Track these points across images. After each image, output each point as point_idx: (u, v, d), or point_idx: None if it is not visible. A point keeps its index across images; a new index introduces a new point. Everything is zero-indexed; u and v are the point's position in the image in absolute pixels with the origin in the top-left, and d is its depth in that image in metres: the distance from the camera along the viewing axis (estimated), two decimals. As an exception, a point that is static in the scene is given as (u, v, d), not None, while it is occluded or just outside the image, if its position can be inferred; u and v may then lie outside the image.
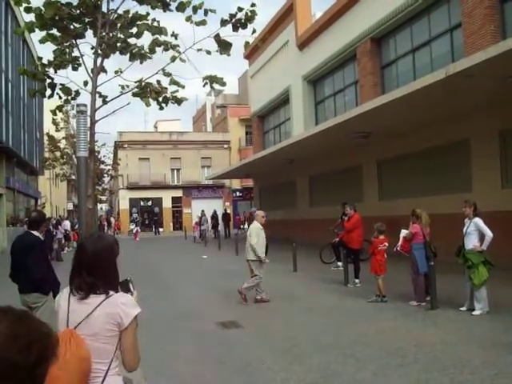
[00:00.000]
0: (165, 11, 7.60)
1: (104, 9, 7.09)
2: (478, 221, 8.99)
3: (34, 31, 7.13)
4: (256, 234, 11.06)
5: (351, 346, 7.28)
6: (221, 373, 6.38)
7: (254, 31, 7.11)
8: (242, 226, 42.97)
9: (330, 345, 7.43)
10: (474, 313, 8.83)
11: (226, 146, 53.47)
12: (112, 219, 50.73)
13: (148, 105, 7.49)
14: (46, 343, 1.39)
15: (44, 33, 7.17)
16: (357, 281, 12.71)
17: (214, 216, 37.90)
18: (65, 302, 2.74)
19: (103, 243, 2.83)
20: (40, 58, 7.60)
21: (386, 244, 10.70)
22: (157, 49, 7.34)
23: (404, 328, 8.25)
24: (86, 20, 7.13)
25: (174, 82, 7.17)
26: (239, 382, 6.03)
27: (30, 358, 1.32)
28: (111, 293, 2.72)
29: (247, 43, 7.30)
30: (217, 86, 7.77)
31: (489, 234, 8.86)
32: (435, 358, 6.54)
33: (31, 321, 1.41)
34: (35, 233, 6.42)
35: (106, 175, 49.07)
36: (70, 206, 67.80)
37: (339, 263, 15.29)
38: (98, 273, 2.71)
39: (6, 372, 1.27)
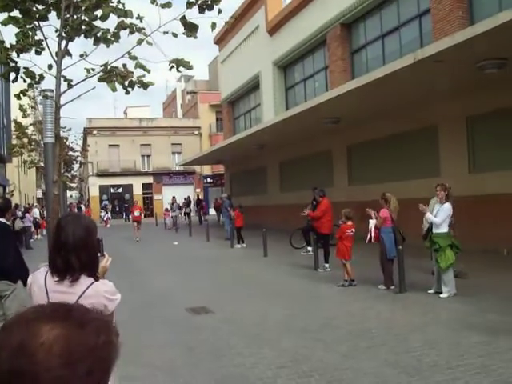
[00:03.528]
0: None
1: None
2: (446, 206, 9.08)
3: None
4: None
5: (320, 330, 7.34)
6: (190, 359, 6.36)
7: (219, 11, 7.02)
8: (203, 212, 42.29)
9: (300, 329, 7.47)
10: (441, 295, 8.97)
11: (196, 132, 53.09)
12: (82, 206, 50.13)
13: (114, 90, 7.34)
14: (113, 354, 1.00)
15: (6, 15, 6.98)
16: (327, 265, 12.79)
17: (188, 202, 37.70)
18: (41, 289, 2.64)
19: (81, 222, 2.78)
20: (2, 42, 7.39)
21: (353, 230, 10.77)
22: (122, 32, 7.19)
23: (373, 311, 8.35)
24: (50, 1, 6.95)
25: (139, 66, 7.05)
26: (209, 367, 6.02)
27: (93, 378, 0.95)
28: (91, 280, 2.67)
29: (214, 24, 7.18)
30: (186, 72, 7.67)
31: (437, 221, 9.03)
32: (403, 340, 6.64)
33: (94, 326, 0.99)
34: (2, 220, 6.30)
35: (75, 162, 48.27)
36: (40, 194, 66.77)
37: (309, 248, 15.40)
38: (75, 252, 2.65)
39: None
